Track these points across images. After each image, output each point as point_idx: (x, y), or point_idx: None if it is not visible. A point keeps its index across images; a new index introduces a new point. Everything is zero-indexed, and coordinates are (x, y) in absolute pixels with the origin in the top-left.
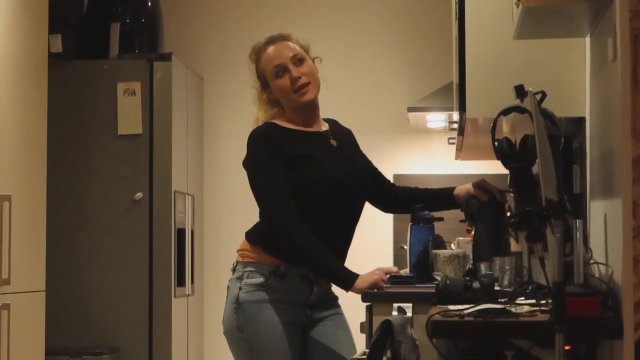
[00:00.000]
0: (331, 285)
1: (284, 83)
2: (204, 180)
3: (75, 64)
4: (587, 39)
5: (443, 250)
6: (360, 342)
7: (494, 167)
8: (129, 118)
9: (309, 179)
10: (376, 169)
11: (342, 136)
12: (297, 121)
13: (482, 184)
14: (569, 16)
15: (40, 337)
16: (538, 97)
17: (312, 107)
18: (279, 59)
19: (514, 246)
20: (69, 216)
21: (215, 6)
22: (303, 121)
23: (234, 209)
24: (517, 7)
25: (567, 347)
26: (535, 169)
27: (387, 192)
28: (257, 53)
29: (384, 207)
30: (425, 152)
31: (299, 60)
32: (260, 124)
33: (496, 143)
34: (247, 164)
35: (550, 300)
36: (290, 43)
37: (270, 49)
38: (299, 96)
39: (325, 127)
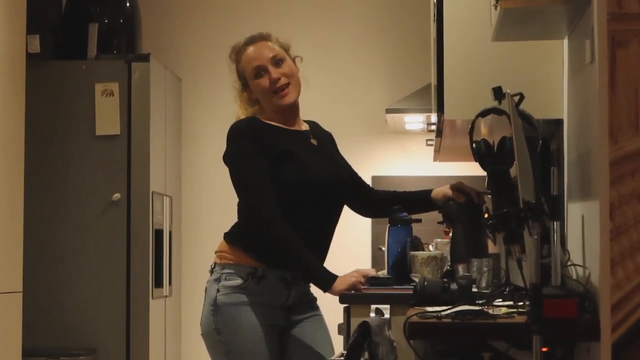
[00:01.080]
0: (310, 286)
1: (264, 84)
2: (182, 181)
3: (53, 65)
4: (565, 41)
5: (421, 252)
6: (338, 344)
7: (472, 169)
8: (107, 119)
9: (291, 177)
10: (356, 173)
11: (323, 137)
12: (277, 120)
13: (459, 186)
14: (547, 18)
15: (17, 339)
16: (516, 99)
17: (292, 108)
18: (258, 60)
19: (491, 248)
20: (46, 217)
21: (194, 7)
22: (283, 121)
23: (212, 210)
24: (496, 9)
25: (544, 349)
26: (513, 170)
27: (367, 196)
28: (237, 53)
29: (363, 211)
30: (403, 154)
31: (278, 61)
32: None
33: (474, 145)
34: (228, 157)
35: (527, 302)
36: (269, 43)
37: (250, 50)
38: (278, 98)
39: (305, 127)
